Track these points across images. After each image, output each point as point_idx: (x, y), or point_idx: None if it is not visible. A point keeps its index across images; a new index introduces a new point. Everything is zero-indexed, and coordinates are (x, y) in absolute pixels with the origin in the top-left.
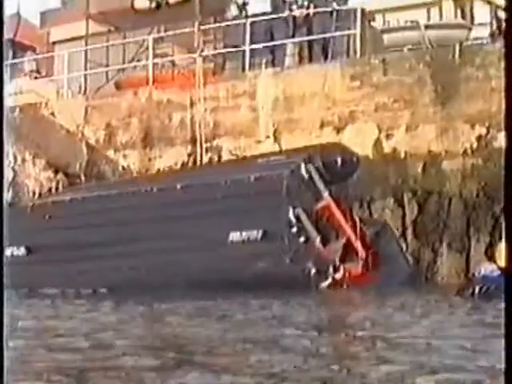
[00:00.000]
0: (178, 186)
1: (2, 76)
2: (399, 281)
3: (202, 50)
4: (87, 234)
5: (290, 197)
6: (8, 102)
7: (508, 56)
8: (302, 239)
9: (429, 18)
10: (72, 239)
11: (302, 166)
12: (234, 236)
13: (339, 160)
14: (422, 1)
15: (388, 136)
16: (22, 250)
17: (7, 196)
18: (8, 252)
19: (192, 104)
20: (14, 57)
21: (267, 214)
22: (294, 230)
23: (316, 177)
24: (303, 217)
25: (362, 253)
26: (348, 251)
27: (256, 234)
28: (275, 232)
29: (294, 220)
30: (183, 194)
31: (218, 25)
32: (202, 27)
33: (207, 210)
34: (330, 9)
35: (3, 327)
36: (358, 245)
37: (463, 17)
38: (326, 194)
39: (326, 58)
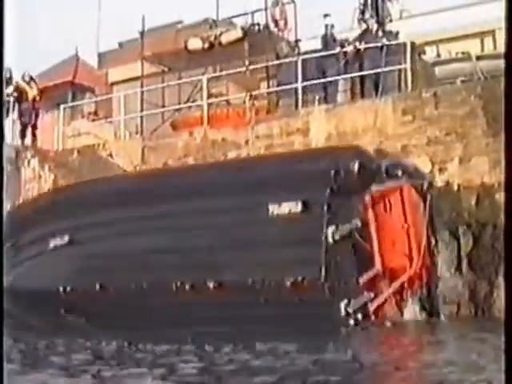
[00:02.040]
0: (211, 286)
1: (2, 86)
2: None
3: (253, 90)
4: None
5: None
6: (67, 143)
7: None
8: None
9: (482, 47)
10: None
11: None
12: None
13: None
14: (475, 31)
15: (441, 169)
16: None
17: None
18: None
19: (246, 142)
20: (74, 98)
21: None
22: None
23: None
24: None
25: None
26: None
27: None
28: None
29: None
30: (218, 296)
31: (269, 63)
32: (255, 66)
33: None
34: (380, 44)
35: (3, 328)
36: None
37: None
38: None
39: (377, 93)
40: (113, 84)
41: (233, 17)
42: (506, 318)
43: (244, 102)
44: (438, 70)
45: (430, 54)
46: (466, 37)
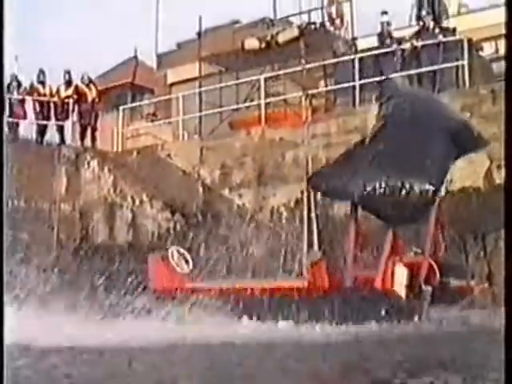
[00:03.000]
0: None
1: (2, 87)
2: None
3: (311, 88)
4: None
5: None
6: (126, 145)
7: None
8: None
9: None
10: None
11: None
12: None
13: None
14: None
15: (499, 166)
16: None
17: (127, 237)
18: None
19: (304, 141)
20: (133, 99)
21: None
22: None
23: None
24: None
25: None
26: None
27: None
28: None
29: None
30: None
31: (326, 62)
32: (312, 65)
33: None
34: (437, 41)
35: (3, 327)
36: None
37: None
38: None
39: (434, 89)
40: (172, 85)
41: (289, 16)
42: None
43: (300, 102)
44: (496, 66)
45: (488, 49)
46: None
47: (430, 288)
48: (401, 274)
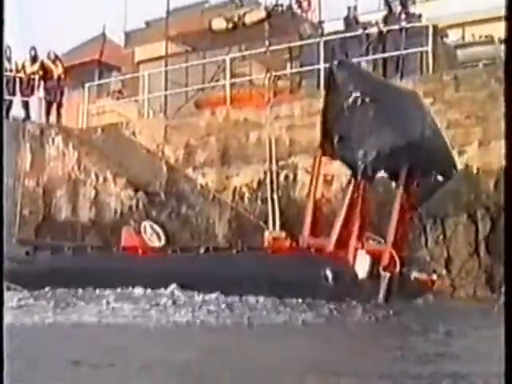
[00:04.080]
0: None
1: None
2: None
3: (273, 70)
4: None
5: None
6: (91, 122)
7: None
8: None
9: None
10: None
11: None
12: None
13: None
14: (500, 14)
15: (460, 152)
16: None
17: (90, 214)
18: None
19: (267, 122)
20: (101, 77)
21: None
22: None
23: None
24: None
25: None
26: None
27: None
28: None
29: None
30: None
31: (292, 44)
32: (276, 47)
33: None
34: (401, 26)
35: (3, 327)
36: None
37: None
38: None
39: (398, 74)
40: (139, 63)
41: None
42: (506, 315)
43: (264, 84)
44: (461, 53)
45: (455, 36)
46: (492, 20)
47: (388, 274)
48: (363, 261)
